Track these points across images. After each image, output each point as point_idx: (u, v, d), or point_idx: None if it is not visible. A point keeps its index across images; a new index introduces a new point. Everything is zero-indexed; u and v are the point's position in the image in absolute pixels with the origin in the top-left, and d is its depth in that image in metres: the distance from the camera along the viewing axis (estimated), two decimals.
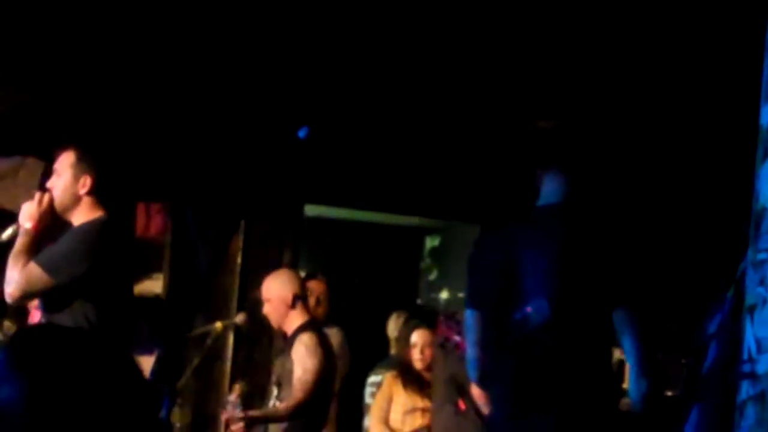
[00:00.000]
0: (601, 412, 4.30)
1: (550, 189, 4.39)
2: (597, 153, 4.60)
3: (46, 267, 4.83)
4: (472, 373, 4.49)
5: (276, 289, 6.16)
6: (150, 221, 8.02)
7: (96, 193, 4.99)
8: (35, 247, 4.91)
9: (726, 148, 6.86)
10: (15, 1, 6.57)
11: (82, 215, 4.98)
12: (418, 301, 10.08)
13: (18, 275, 4.82)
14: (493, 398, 4.50)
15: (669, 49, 6.67)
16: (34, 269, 4.83)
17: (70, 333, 2.14)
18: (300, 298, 6.16)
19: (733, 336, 3.71)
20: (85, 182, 4.97)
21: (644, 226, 6.38)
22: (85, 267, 4.84)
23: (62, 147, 5.07)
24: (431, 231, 10.20)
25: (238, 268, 7.96)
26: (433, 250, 10.33)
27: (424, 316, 7.72)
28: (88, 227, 4.96)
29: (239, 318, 6.56)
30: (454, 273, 9.74)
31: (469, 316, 4.43)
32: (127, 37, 6.96)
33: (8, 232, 5.00)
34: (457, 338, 6.34)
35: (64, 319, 4.82)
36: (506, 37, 6.79)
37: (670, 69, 6.88)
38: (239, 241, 8.05)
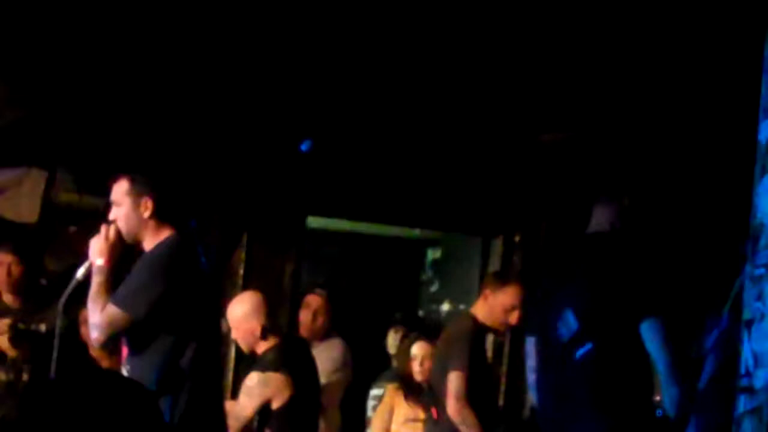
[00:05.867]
0: (641, 417, 4.58)
1: (597, 218, 4.78)
2: (644, 182, 5.02)
3: (123, 305, 4.78)
4: (533, 395, 4.88)
5: (242, 320, 5.96)
6: None
7: (158, 213, 4.93)
8: (111, 285, 4.85)
9: (724, 163, 6.90)
10: (20, 14, 6.61)
11: (151, 238, 4.93)
12: (420, 313, 10.09)
13: (99, 319, 4.78)
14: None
15: (667, 66, 6.70)
16: (112, 310, 4.78)
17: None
18: (269, 327, 5.93)
19: (730, 351, 3.75)
20: (147, 205, 4.91)
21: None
22: (162, 289, 4.79)
23: (114, 177, 4.99)
24: (433, 243, 10.22)
25: (240, 280, 7.98)
26: (435, 262, 10.35)
27: (424, 329, 7.74)
28: (157, 250, 4.92)
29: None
30: (455, 285, 9.76)
31: (527, 343, 4.85)
32: (130, 48, 7.00)
33: (82, 271, 4.94)
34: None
35: (150, 356, 4.81)
36: (513, 53, 6.82)
37: (667, 85, 6.92)
38: (241, 253, 8.07)
